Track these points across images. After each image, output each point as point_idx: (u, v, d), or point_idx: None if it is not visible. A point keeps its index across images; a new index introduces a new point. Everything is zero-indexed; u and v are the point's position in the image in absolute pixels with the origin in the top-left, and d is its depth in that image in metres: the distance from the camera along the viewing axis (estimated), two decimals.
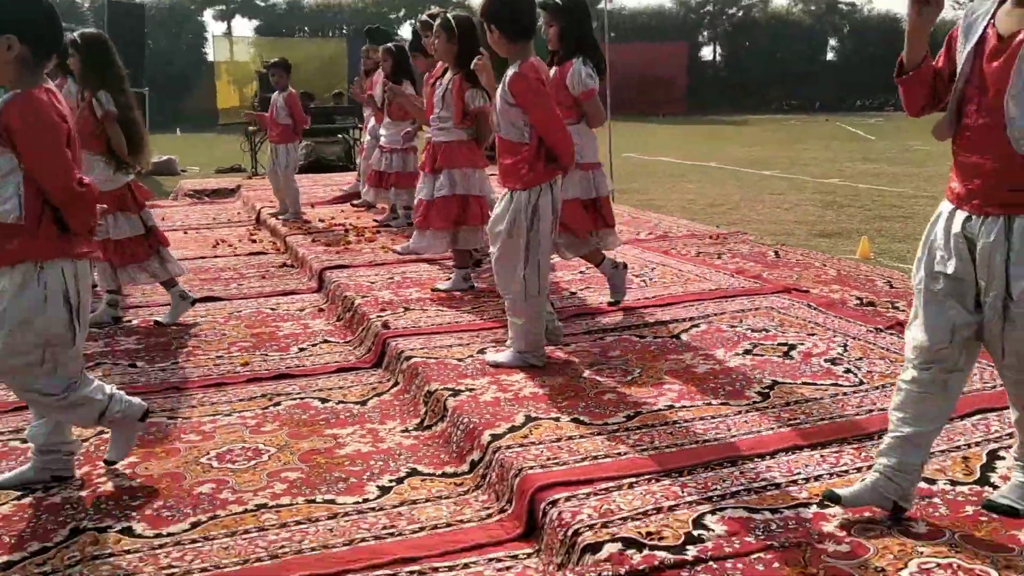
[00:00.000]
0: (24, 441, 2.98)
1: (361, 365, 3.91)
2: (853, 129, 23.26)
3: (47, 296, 2.55)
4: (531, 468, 2.62)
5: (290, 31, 36.91)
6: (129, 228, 4.45)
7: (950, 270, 2.17)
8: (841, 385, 3.27)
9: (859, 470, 2.56)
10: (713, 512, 2.34)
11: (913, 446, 2.25)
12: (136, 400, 2.91)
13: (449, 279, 4.97)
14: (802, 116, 32.50)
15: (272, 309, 4.90)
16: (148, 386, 3.64)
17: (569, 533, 2.28)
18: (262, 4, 38.57)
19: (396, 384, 3.63)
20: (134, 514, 2.61)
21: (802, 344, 3.75)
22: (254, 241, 7.21)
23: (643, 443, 2.79)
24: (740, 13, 43.06)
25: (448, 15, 4.61)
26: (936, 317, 2.20)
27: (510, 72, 3.43)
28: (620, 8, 39.29)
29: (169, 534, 2.49)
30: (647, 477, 2.55)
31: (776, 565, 2.09)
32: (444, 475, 2.85)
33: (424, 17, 5.74)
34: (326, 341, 4.29)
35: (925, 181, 12.11)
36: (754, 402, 3.13)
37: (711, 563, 2.10)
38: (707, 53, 43.67)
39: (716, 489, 2.48)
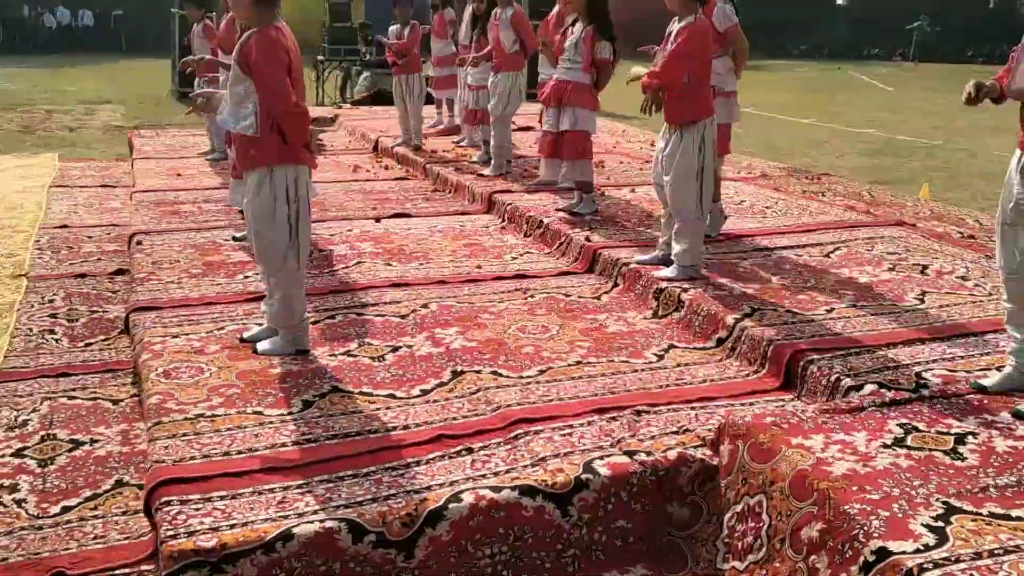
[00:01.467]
0: None
1: (575, 271, 4.85)
2: (870, 80, 24.02)
3: (275, 195, 3.35)
4: (779, 339, 3.60)
5: None
6: None
7: (1012, 202, 2.81)
8: (975, 295, 4.25)
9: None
10: (926, 371, 3.33)
11: None
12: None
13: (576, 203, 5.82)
14: (812, 63, 33.08)
15: (461, 226, 5.80)
16: (420, 279, 4.57)
17: (832, 379, 3.27)
18: None
19: (616, 285, 4.58)
20: (489, 363, 3.57)
21: (932, 264, 4.72)
22: (386, 168, 8.05)
23: (850, 327, 3.77)
24: None
25: None
26: (1005, 244, 2.91)
27: (681, 25, 4.25)
28: None
29: (528, 376, 3.46)
30: (867, 349, 3.53)
31: (984, 401, 3.08)
32: (696, 348, 3.83)
33: None
34: (528, 252, 5.22)
35: (958, 134, 13.01)
36: (914, 306, 4.11)
37: (941, 399, 3.08)
38: None
39: (919, 358, 3.47)
